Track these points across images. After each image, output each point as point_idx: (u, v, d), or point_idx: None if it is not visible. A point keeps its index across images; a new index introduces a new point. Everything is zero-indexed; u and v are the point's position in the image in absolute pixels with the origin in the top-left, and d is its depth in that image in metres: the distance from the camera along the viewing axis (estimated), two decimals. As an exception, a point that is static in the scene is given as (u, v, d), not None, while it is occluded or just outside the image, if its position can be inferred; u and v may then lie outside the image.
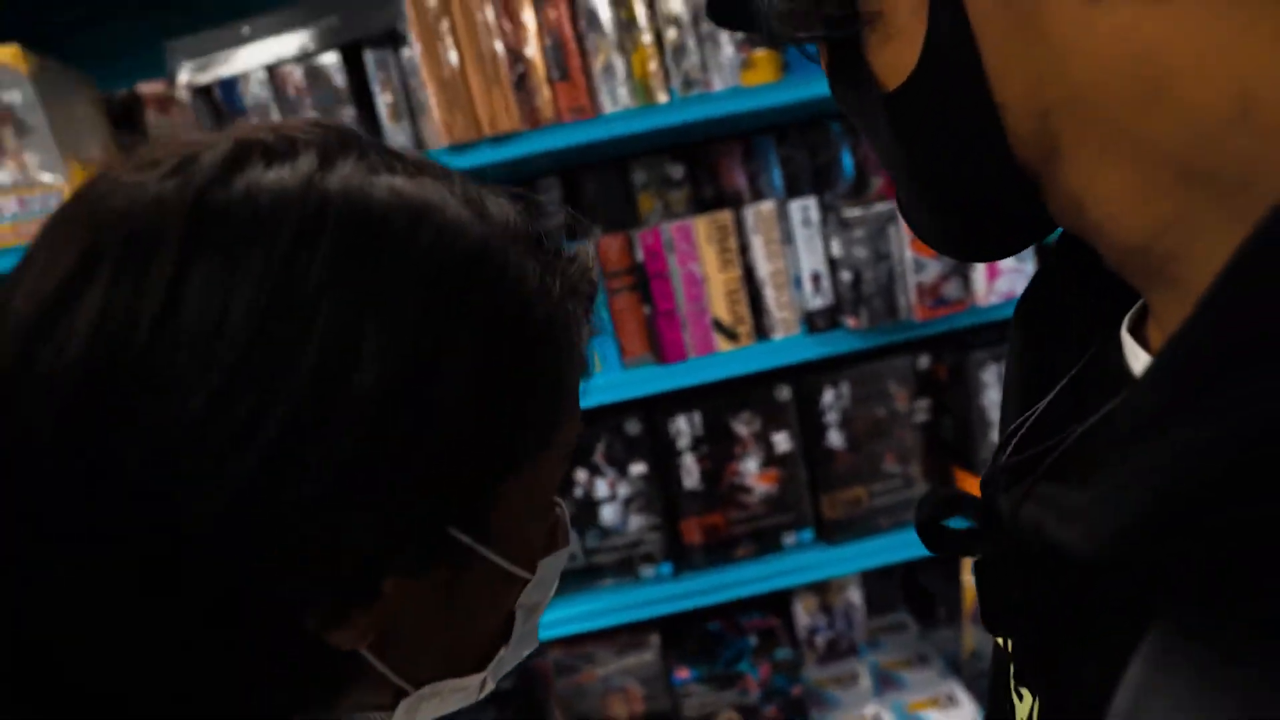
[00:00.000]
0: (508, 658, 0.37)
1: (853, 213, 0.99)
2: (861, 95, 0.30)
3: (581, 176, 1.19)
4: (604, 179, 1.19)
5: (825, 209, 1.03)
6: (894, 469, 1.10)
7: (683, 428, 1.08)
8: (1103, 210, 0.24)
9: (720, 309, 1.04)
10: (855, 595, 1.19)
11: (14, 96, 0.99)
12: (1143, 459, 0.18)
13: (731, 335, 1.04)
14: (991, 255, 0.35)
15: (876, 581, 1.22)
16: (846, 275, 1.00)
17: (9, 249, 1.00)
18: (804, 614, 1.19)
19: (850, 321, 1.01)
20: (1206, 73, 0.19)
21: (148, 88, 1.15)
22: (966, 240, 0.34)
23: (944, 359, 1.09)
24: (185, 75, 1.10)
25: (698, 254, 1.03)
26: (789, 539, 1.12)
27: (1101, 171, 0.23)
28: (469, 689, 0.36)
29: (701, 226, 1.02)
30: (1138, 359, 0.26)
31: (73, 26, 1.23)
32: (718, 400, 1.07)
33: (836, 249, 1.01)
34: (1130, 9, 0.20)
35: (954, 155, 0.29)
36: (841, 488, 1.10)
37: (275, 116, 1.07)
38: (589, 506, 1.09)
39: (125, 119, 1.16)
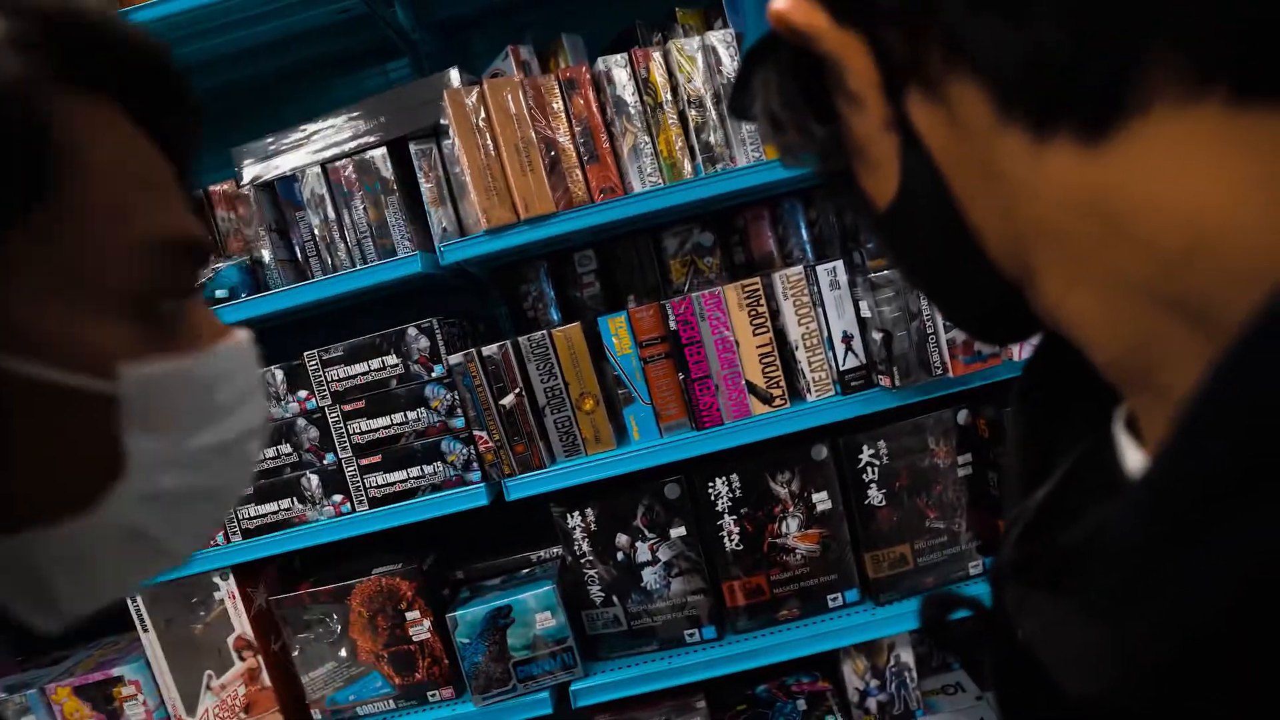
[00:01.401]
0: (147, 513, 0.31)
1: (880, 274, 1.01)
2: (857, 210, 0.33)
3: (615, 247, 1.25)
4: (637, 248, 1.24)
5: (853, 271, 1.06)
6: (938, 525, 1.08)
7: (721, 490, 1.09)
8: (1078, 328, 0.25)
9: (754, 373, 1.06)
10: (907, 656, 1.16)
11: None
12: (1136, 597, 0.18)
13: (766, 398, 1.06)
14: (1008, 340, 0.37)
15: (929, 641, 1.19)
16: (877, 335, 1.02)
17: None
18: (854, 676, 1.16)
19: (884, 381, 1.02)
20: (1156, 213, 0.20)
21: (216, 188, 1.26)
22: (980, 332, 0.36)
23: (984, 413, 1.08)
24: (249, 174, 1.20)
25: (729, 320, 1.05)
26: (834, 599, 1.10)
27: (1072, 293, 0.24)
28: (97, 533, 0.29)
29: (731, 293, 1.05)
30: (1131, 457, 0.26)
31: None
32: (755, 462, 1.09)
33: (866, 309, 1.03)
34: (1073, 155, 0.21)
35: (940, 269, 0.31)
36: (885, 546, 1.09)
37: (330, 208, 1.16)
38: (631, 571, 1.11)
39: (198, 216, 1.26)
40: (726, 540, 1.10)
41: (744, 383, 1.06)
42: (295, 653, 1.15)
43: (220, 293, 1.12)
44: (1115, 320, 0.23)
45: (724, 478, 1.09)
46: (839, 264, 1.05)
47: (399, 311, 1.30)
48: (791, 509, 1.09)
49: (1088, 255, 0.22)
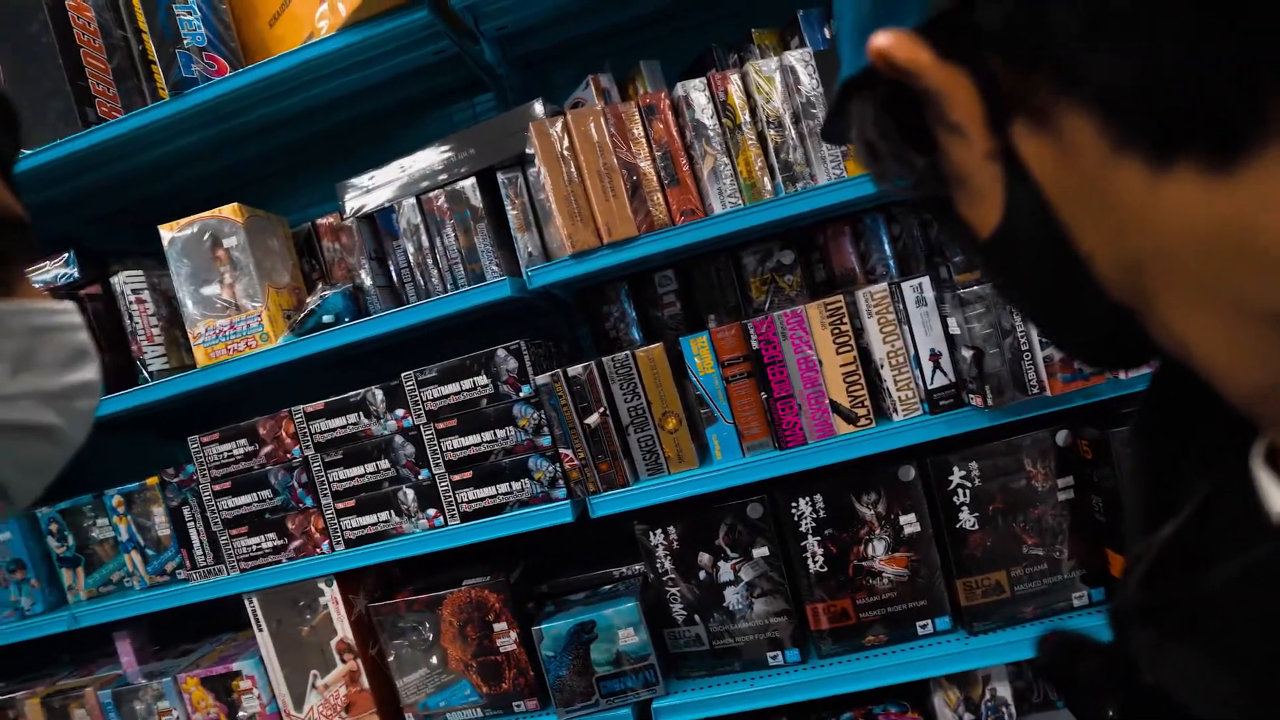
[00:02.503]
0: None
1: (969, 289, 0.98)
2: (959, 238, 0.33)
3: (695, 267, 1.26)
4: (717, 268, 1.25)
5: (940, 287, 1.03)
6: (1037, 551, 1.03)
7: (805, 511, 1.08)
8: (1205, 358, 0.24)
9: (838, 392, 1.05)
10: (1004, 690, 1.10)
11: (232, 241, 1.22)
12: None
13: (850, 418, 1.04)
14: (1119, 366, 0.35)
15: (1034, 678, 1.13)
16: (967, 353, 0.98)
17: (225, 362, 1.20)
18: (945, 709, 1.12)
19: (975, 400, 0.99)
20: None
21: (324, 220, 1.36)
22: (1091, 358, 0.34)
23: (1086, 433, 1.03)
24: (350, 207, 1.29)
25: (811, 339, 1.05)
26: (924, 626, 1.07)
27: (1198, 322, 0.23)
28: None
29: (814, 312, 1.05)
30: (1275, 496, 0.24)
31: (270, 178, 1.49)
32: (840, 482, 1.07)
33: (954, 326, 1.00)
34: (1198, 183, 0.21)
35: (1048, 296, 0.31)
36: (978, 572, 1.04)
37: (424, 236, 1.23)
38: (713, 589, 1.11)
39: (308, 248, 1.37)
40: (810, 561, 1.08)
41: (828, 402, 1.05)
42: (391, 658, 1.22)
43: (327, 318, 1.21)
44: (1247, 350, 0.22)
45: (808, 498, 1.07)
46: (925, 279, 1.02)
47: (488, 333, 1.36)
48: (878, 531, 1.06)
49: (1215, 284, 0.22)
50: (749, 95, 1.09)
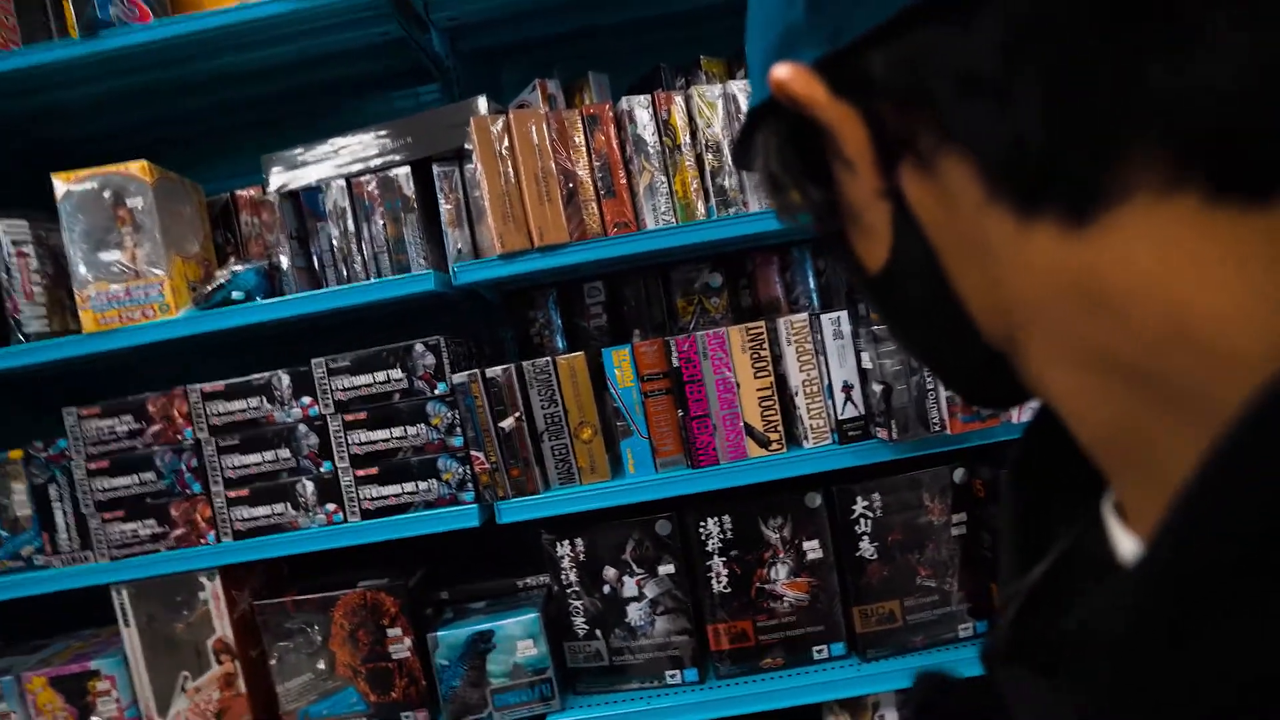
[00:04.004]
0: None
1: (883, 327, 1.02)
2: (850, 270, 0.34)
3: (625, 280, 1.27)
4: (646, 284, 1.25)
5: (857, 322, 1.07)
6: (929, 583, 1.07)
7: (713, 530, 1.09)
8: (1063, 404, 0.25)
9: (752, 415, 1.06)
10: (892, 717, 1.13)
11: (137, 202, 1.14)
12: (1126, 692, 0.18)
13: (763, 442, 1.06)
14: (998, 406, 0.36)
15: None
16: (877, 387, 1.02)
17: (114, 331, 1.11)
18: (835, 733, 1.14)
19: (881, 433, 1.02)
20: (1140, 295, 0.21)
21: (244, 192, 1.29)
22: (970, 396, 0.36)
23: (980, 473, 1.08)
24: (275, 182, 1.23)
25: (731, 361, 1.06)
26: (820, 651, 1.09)
27: (1057, 370, 0.24)
28: None
29: (735, 335, 1.07)
30: (1121, 542, 0.26)
31: (190, 141, 1.40)
32: (748, 504, 1.08)
33: (868, 361, 1.04)
34: (1057, 236, 0.22)
35: (928, 334, 0.32)
36: (874, 600, 1.08)
37: (350, 221, 1.19)
38: (616, 604, 1.10)
39: (224, 219, 1.30)
40: (714, 582, 1.09)
41: (742, 424, 1.06)
42: (273, 660, 1.14)
43: (237, 294, 1.14)
44: (1096, 398, 0.23)
45: (716, 518, 1.08)
46: (844, 314, 1.06)
47: (409, 329, 1.31)
48: (782, 555, 1.08)
49: (1070, 333, 0.23)
50: (691, 118, 1.11)
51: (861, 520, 1.07)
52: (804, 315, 1.07)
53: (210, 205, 1.28)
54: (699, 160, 1.11)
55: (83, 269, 1.13)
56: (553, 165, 1.08)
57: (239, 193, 1.28)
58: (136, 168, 1.14)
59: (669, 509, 1.09)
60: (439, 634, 1.06)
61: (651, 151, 1.10)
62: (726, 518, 1.08)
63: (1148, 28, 0.20)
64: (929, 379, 1.00)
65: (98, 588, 1.15)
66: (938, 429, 1.01)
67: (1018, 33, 0.21)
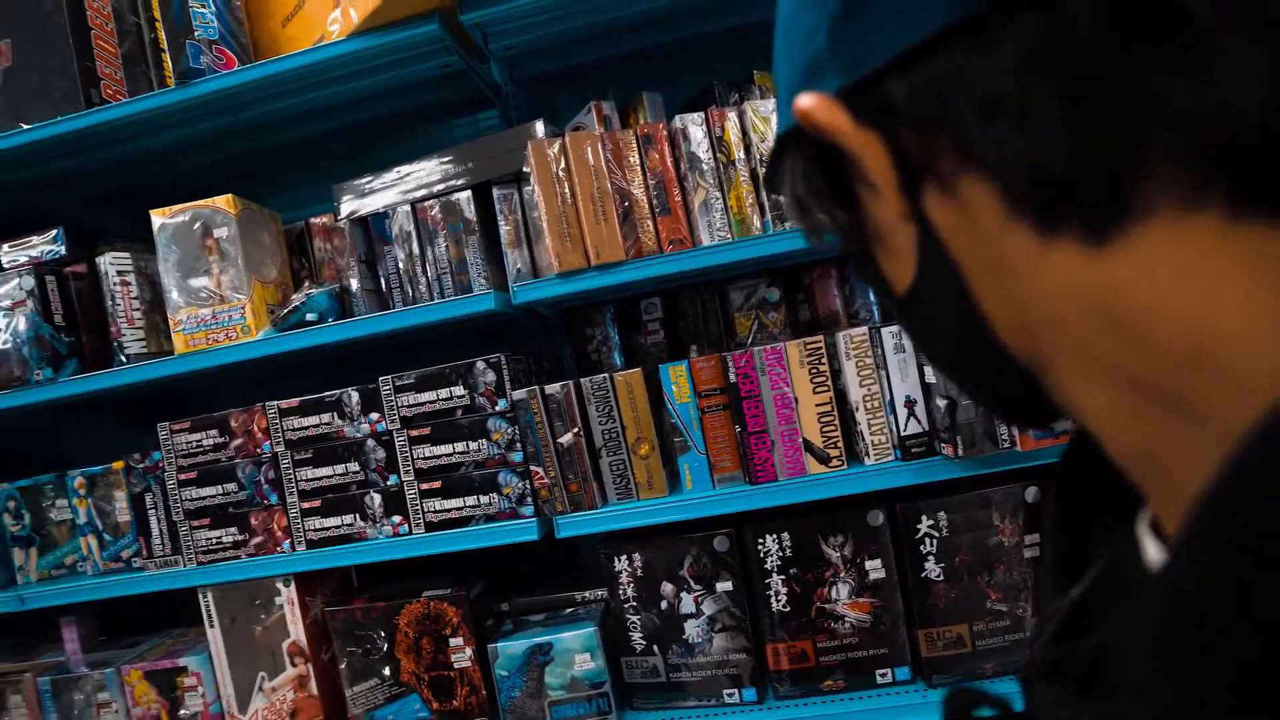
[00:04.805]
0: None
1: (948, 341, 0.99)
2: (879, 292, 0.34)
3: (681, 297, 1.27)
4: (703, 300, 1.26)
5: (919, 335, 1.04)
6: (1000, 607, 1.03)
7: (771, 548, 1.07)
8: (1092, 422, 0.25)
9: (811, 431, 1.05)
10: (959, 746, 1.09)
11: (223, 232, 1.22)
12: (1156, 704, 0.18)
13: (823, 458, 1.04)
14: (1031, 425, 0.36)
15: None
16: (941, 402, 0.99)
17: (201, 352, 1.19)
18: (901, 760, 1.10)
19: (946, 449, 0.99)
20: (1161, 315, 0.21)
21: (317, 220, 1.36)
22: (1001, 414, 0.36)
23: (1054, 492, 1.03)
24: (345, 209, 1.30)
25: (789, 376, 1.05)
26: (884, 675, 1.06)
27: (1084, 388, 0.24)
28: None
29: (793, 350, 1.06)
30: (1153, 555, 0.26)
31: (269, 174, 1.50)
32: (808, 522, 1.07)
33: (930, 375, 1.01)
34: (1078, 255, 0.22)
35: (956, 353, 0.32)
36: (941, 624, 1.04)
37: (415, 244, 1.24)
38: (673, 620, 1.10)
39: (299, 246, 1.38)
40: (773, 600, 1.07)
41: (801, 440, 1.05)
42: (342, 665, 1.19)
43: (310, 316, 1.20)
44: (1124, 417, 0.23)
45: (775, 535, 1.07)
46: (905, 327, 1.03)
47: (471, 347, 1.35)
48: (843, 574, 1.06)
49: (1093, 352, 0.23)
50: (745, 133, 1.11)
51: (926, 540, 1.04)
52: (864, 329, 1.05)
53: (287, 233, 1.36)
54: (753, 175, 1.11)
55: (175, 295, 1.22)
56: (608, 185, 1.10)
57: (313, 220, 1.35)
58: (223, 201, 1.22)
59: (727, 525, 1.08)
60: (499, 645, 1.08)
61: (706, 168, 1.11)
62: (785, 535, 1.07)
63: (1167, 48, 0.20)
64: (997, 394, 0.97)
65: (186, 589, 1.23)
66: (1007, 445, 0.97)
67: (1036, 56, 0.21)
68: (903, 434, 1.03)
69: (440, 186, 1.25)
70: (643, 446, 1.08)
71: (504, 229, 1.20)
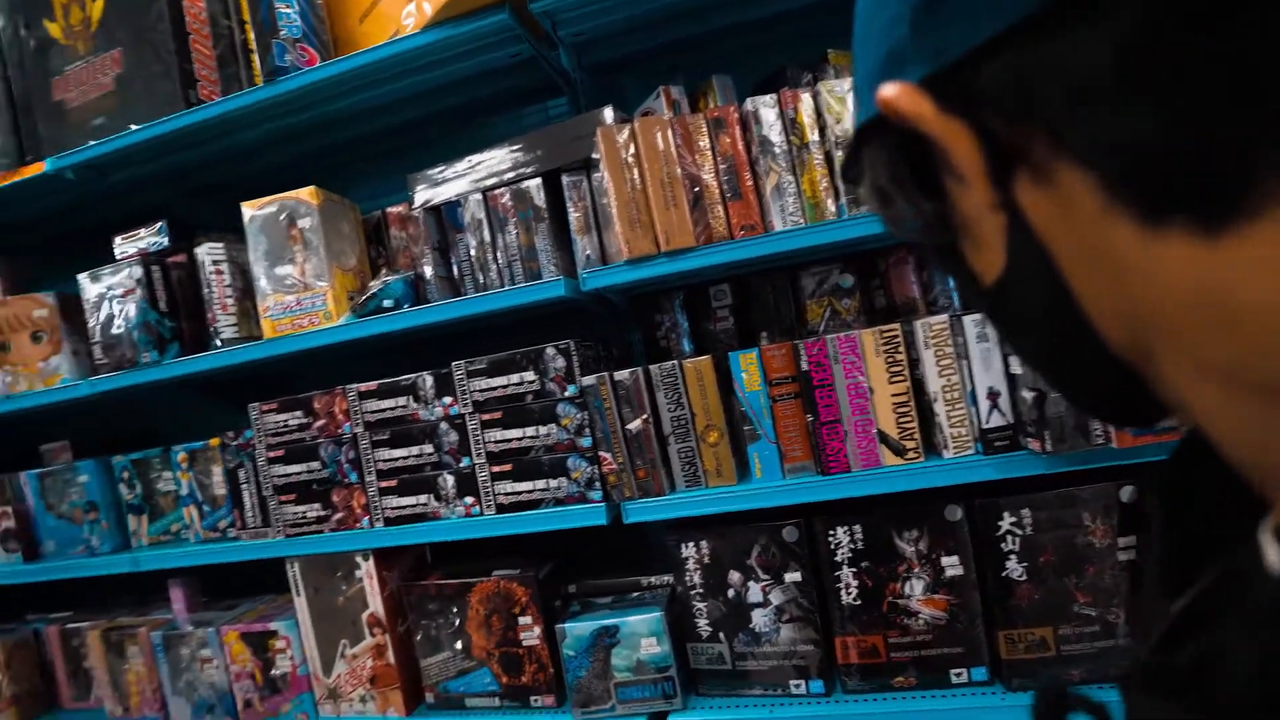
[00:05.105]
0: None
1: (1037, 329, 0.93)
2: (964, 283, 0.32)
3: (752, 283, 1.25)
4: (774, 286, 1.23)
5: (1005, 323, 0.99)
6: (1089, 611, 0.97)
7: (843, 540, 1.05)
8: (1204, 422, 0.23)
9: (887, 422, 1.02)
10: (1040, 752, 1.04)
11: (306, 222, 1.28)
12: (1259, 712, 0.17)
13: (898, 450, 1.01)
14: (1130, 424, 0.34)
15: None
16: (1028, 394, 0.94)
17: (287, 336, 1.26)
18: (976, 763, 1.06)
19: (1033, 444, 0.94)
20: (1275, 313, 0.19)
21: (393, 209, 1.41)
22: (1096, 411, 0.34)
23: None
24: (419, 198, 1.34)
25: (864, 365, 1.02)
26: (958, 675, 1.02)
27: (1194, 385, 0.23)
28: None
29: (868, 338, 1.02)
30: (1272, 560, 0.23)
31: (348, 166, 1.56)
32: (881, 515, 1.04)
33: (1017, 365, 0.96)
34: (1187, 246, 0.20)
35: (1049, 346, 0.30)
36: (1023, 625, 0.99)
37: (486, 231, 1.26)
38: (740, 609, 1.09)
39: (376, 234, 1.43)
40: (843, 592, 1.05)
41: (875, 431, 1.02)
42: (418, 637, 1.24)
43: (387, 302, 1.25)
44: (1239, 418, 0.22)
45: (846, 527, 1.05)
46: (990, 315, 0.98)
47: (541, 332, 1.38)
48: (917, 569, 1.02)
49: (1202, 348, 0.22)
50: (819, 114, 1.08)
51: (1008, 537, 0.99)
52: (944, 317, 1.01)
53: (365, 222, 1.41)
54: (828, 158, 1.08)
55: (264, 283, 1.29)
56: (678, 170, 1.09)
57: (389, 209, 1.40)
58: (306, 192, 1.28)
59: (797, 515, 1.07)
60: (566, 626, 1.11)
61: (778, 151, 1.08)
62: (858, 527, 1.04)
63: (1270, 30, 0.18)
64: (1091, 386, 0.91)
65: (275, 559, 1.30)
66: (1101, 442, 0.91)
67: (1131, 39, 0.20)
68: (984, 427, 0.98)
69: (511, 174, 1.26)
70: (712, 434, 1.07)
71: (573, 216, 1.20)
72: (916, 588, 1.02)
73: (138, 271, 1.37)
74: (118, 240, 1.43)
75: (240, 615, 1.39)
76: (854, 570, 1.05)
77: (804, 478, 1.04)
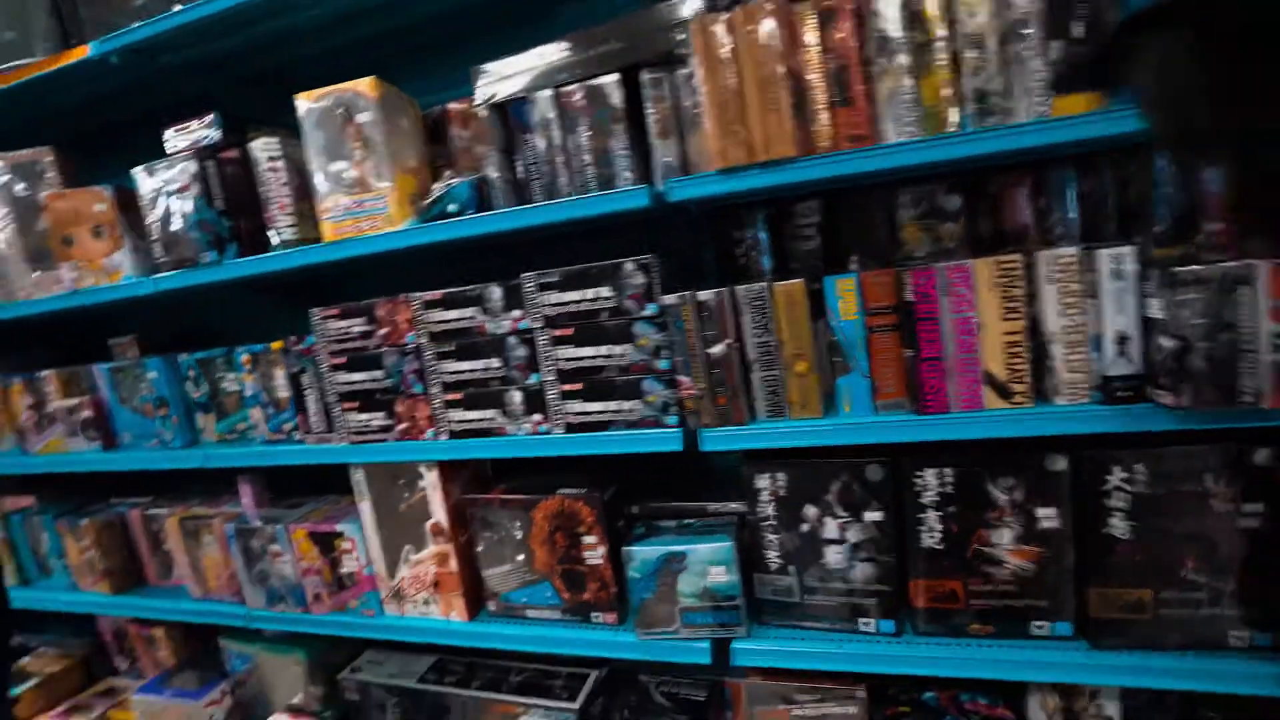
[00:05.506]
0: None
1: (1189, 269, 0.82)
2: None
3: (842, 199, 1.14)
4: (869, 204, 1.12)
5: (1145, 261, 0.88)
6: (1197, 577, 0.91)
7: (930, 482, 0.99)
8: None
9: (994, 362, 0.93)
10: (1112, 708, 1.02)
11: (365, 117, 1.19)
12: None
13: (1005, 393, 0.93)
14: None
15: (1143, 706, 1.02)
16: (1168, 342, 0.84)
17: (345, 241, 1.20)
18: (1040, 712, 1.05)
19: (1166, 398, 0.85)
20: None
21: (454, 105, 1.31)
22: None
23: (1293, 456, 0.88)
24: (484, 94, 1.23)
25: (975, 299, 0.93)
26: (1040, 627, 0.98)
27: None
28: None
29: (983, 269, 0.92)
30: None
31: (405, 56, 1.44)
32: (975, 459, 0.97)
33: (1156, 309, 0.85)
34: None
35: None
36: (1119, 584, 0.94)
37: (557, 132, 1.16)
38: (814, 543, 1.06)
39: (435, 133, 1.33)
40: (925, 536, 1.01)
41: (981, 371, 0.94)
42: (480, 548, 1.25)
43: (452, 207, 1.17)
44: None
45: (936, 470, 0.99)
46: (1128, 249, 0.87)
47: (602, 242, 1.30)
48: (1009, 518, 0.97)
49: None
50: (949, 6, 0.93)
51: (1116, 494, 0.92)
52: (1072, 250, 0.90)
53: (423, 119, 1.31)
54: (955, 59, 0.94)
55: (321, 182, 1.22)
56: (780, 69, 0.96)
57: (450, 106, 1.30)
58: (365, 84, 1.18)
59: (883, 454, 1.01)
60: (634, 549, 1.09)
61: (897, 49, 0.94)
62: (948, 471, 0.98)
63: None
64: (1247, 338, 0.81)
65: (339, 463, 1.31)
66: (1249, 401, 0.81)
67: None
68: (1107, 374, 0.89)
69: (584, 70, 1.15)
70: (800, 363, 1.00)
71: (653, 118, 1.09)
72: (1006, 537, 0.97)
73: (192, 167, 1.31)
74: (168, 133, 1.37)
75: (306, 514, 1.42)
76: (939, 514, 1.00)
77: (896, 415, 0.98)
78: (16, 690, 1.75)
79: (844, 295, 0.97)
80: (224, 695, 1.54)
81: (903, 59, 0.94)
